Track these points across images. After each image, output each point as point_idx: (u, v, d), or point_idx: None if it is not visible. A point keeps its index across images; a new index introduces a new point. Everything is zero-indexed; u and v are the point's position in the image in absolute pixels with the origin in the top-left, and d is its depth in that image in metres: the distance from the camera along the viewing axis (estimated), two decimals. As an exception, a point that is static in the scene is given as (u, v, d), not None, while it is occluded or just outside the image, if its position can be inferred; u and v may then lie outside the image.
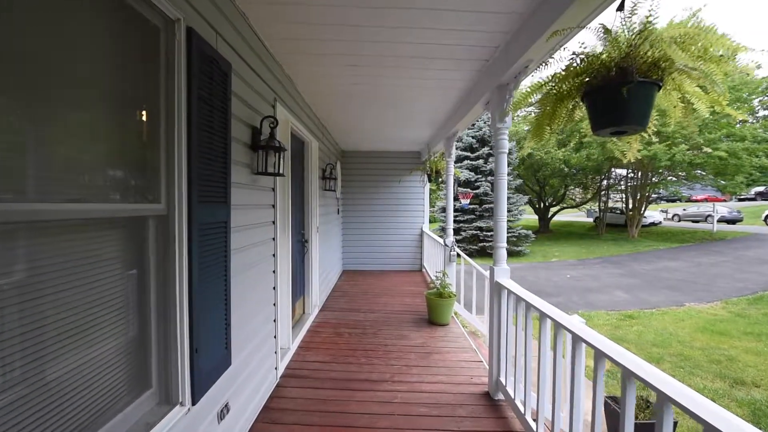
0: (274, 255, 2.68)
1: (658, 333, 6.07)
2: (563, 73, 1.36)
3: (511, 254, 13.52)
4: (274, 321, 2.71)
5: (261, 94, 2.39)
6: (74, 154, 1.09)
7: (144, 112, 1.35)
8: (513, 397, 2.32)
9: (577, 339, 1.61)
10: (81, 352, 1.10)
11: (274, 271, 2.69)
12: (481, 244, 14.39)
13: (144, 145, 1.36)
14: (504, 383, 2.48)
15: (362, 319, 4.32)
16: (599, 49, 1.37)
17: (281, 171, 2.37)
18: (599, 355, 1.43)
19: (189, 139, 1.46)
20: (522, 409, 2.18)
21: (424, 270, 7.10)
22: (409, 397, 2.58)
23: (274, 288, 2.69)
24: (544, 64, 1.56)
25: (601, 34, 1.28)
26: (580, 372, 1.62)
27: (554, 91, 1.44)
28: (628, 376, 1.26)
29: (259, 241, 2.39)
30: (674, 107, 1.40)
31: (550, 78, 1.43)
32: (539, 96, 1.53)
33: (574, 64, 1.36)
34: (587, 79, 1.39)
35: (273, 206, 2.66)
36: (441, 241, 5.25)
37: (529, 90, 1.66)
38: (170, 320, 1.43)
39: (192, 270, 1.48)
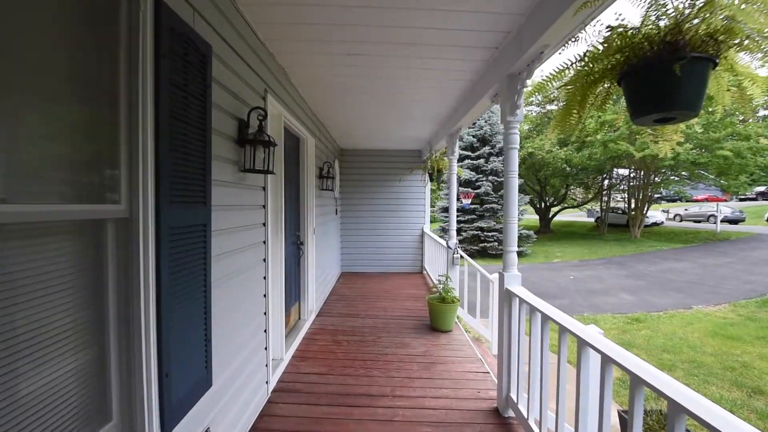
0: (264, 260, 2.47)
1: (668, 338, 5.86)
2: (599, 49, 1.15)
3: (512, 255, 13.32)
4: (265, 331, 2.49)
5: (249, 84, 2.18)
6: (5, 145, 0.87)
7: (99, 97, 1.14)
8: (526, 416, 2.11)
9: (606, 360, 1.40)
10: (21, 383, 0.89)
11: (264, 277, 2.48)
12: (482, 244, 14.20)
13: (99, 136, 1.14)
14: (515, 400, 2.27)
15: (361, 325, 4.11)
16: (638, 21, 1.16)
17: (272, 168, 2.16)
18: (637, 382, 1.22)
19: (157, 129, 1.25)
20: (537, 430, 1.97)
21: (425, 272, 6.90)
22: (411, 414, 2.36)
23: (264, 295, 2.48)
24: (573, 40, 1.35)
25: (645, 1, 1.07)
26: (608, 394, 1.42)
27: (584, 72, 1.23)
28: (677, 411, 1.05)
29: (248, 245, 2.18)
30: (726, 91, 1.20)
31: (580, 57, 1.22)
32: (565, 80, 1.32)
33: (611, 41, 1.15)
34: (623, 58, 1.19)
35: (263, 207, 2.44)
36: (442, 242, 5.04)
37: (550, 75, 1.46)
38: (134, 341, 1.22)
39: (161, 281, 1.27)
